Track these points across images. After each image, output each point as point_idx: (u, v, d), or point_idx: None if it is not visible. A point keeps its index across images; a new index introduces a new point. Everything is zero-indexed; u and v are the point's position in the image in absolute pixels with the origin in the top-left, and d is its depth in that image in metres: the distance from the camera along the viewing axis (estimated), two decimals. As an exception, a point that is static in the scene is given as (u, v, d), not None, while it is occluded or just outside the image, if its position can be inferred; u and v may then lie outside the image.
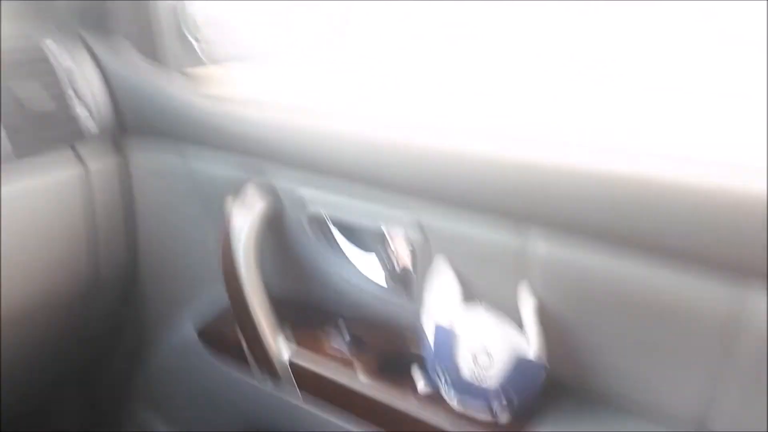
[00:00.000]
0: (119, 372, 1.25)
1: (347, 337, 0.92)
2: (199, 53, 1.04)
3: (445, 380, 0.74)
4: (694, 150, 0.65)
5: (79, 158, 0.97)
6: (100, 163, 1.00)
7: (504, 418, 0.74)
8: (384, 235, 0.85)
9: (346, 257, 0.92)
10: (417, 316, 0.85)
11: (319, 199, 0.87)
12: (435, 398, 0.79)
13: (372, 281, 0.90)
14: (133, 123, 1.02)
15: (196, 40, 1.04)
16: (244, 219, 0.89)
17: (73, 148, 0.97)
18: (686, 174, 0.62)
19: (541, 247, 0.70)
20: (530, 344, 0.72)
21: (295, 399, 0.91)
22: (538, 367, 0.71)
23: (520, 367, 0.70)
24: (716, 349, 0.64)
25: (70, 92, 0.95)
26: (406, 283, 0.86)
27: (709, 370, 0.65)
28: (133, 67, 0.99)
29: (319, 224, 0.90)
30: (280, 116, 0.87)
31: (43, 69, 0.94)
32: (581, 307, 0.71)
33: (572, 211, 0.67)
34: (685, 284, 0.63)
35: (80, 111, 0.96)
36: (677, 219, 0.61)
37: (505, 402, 0.71)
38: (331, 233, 0.91)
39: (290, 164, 0.89)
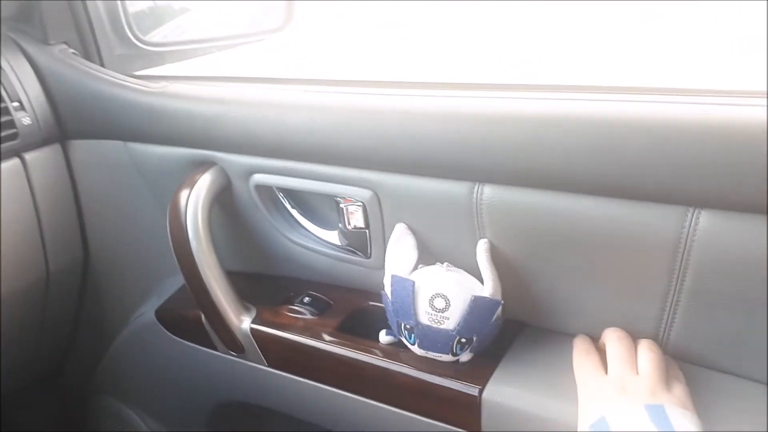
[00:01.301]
0: (83, 364, 1.24)
1: (307, 301, 0.93)
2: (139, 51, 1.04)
3: (405, 328, 0.76)
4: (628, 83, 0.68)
5: (15, 152, 0.95)
6: (37, 154, 0.98)
7: (465, 357, 0.76)
8: (334, 196, 0.85)
9: (298, 223, 0.92)
10: (374, 272, 0.86)
11: (266, 169, 0.87)
12: (397, 347, 0.81)
13: (327, 243, 0.90)
14: (73, 125, 1.00)
15: (138, 39, 1.04)
16: (191, 197, 0.89)
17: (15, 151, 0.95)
18: (621, 108, 0.63)
19: (487, 191, 0.72)
20: (484, 283, 0.74)
21: (262, 366, 0.92)
22: (493, 304, 0.73)
23: (476, 307, 0.72)
24: (665, 273, 0.66)
25: (6, 96, 0.93)
26: (361, 241, 0.86)
27: (660, 294, 0.68)
28: (71, 69, 0.97)
29: (268, 194, 0.91)
30: (222, 108, 0.87)
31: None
32: (530, 245, 0.73)
33: (512, 156, 0.68)
34: (629, 212, 0.65)
35: (19, 115, 0.94)
36: (616, 153, 0.62)
37: (464, 341, 0.73)
38: (281, 201, 0.92)
39: (236, 151, 0.88)
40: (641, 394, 0.63)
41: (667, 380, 0.66)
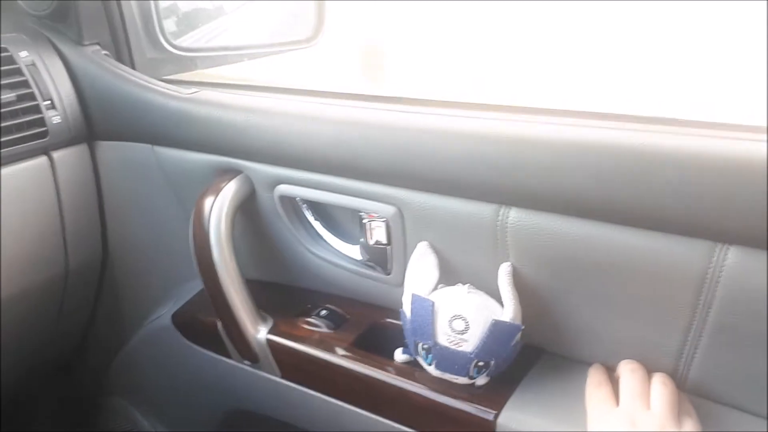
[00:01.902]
0: (96, 364, 1.24)
1: (324, 314, 0.93)
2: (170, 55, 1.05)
3: (423, 348, 0.75)
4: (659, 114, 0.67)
5: (44, 150, 0.96)
6: (64, 153, 0.99)
7: (481, 380, 0.75)
8: (357, 211, 0.85)
9: (320, 236, 0.92)
10: (394, 289, 0.86)
11: (291, 180, 0.87)
12: (412, 367, 0.80)
13: (347, 258, 0.90)
14: (102, 125, 1.01)
15: (169, 44, 1.05)
16: (215, 204, 0.89)
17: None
18: (654, 139, 0.63)
19: (512, 214, 0.72)
20: (505, 307, 0.73)
21: (275, 377, 0.92)
22: (514, 329, 0.72)
23: (495, 330, 0.72)
24: (688, 307, 0.65)
25: (38, 94, 0.94)
26: (382, 257, 0.86)
27: (682, 328, 0.67)
28: (103, 70, 0.98)
29: (292, 205, 0.91)
30: (251, 117, 0.87)
31: (11, 73, 0.93)
32: (553, 271, 0.72)
33: (539, 180, 0.68)
34: (656, 243, 0.64)
35: (49, 114, 0.95)
36: (646, 183, 0.62)
37: (481, 364, 0.73)
38: (303, 213, 0.92)
39: (262, 161, 0.89)
40: (650, 430, 0.63)
41: (679, 417, 0.65)
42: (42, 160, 0.95)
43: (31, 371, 1.21)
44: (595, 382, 0.72)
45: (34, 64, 0.94)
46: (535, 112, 0.75)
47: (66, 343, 1.22)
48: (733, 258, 0.61)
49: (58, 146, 0.97)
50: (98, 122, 1.00)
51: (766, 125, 0.62)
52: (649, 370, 0.71)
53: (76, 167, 1.01)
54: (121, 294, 1.16)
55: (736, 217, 0.59)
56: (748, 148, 0.59)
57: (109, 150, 1.02)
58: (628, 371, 0.70)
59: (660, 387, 0.67)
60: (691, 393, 0.70)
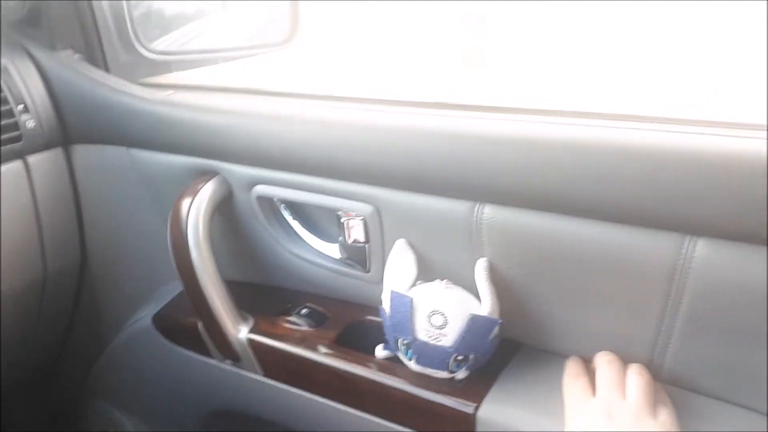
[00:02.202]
0: (76, 368, 1.24)
1: (304, 312, 0.93)
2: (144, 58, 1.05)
3: (403, 344, 0.76)
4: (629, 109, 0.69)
5: (19, 154, 0.96)
6: (39, 157, 0.98)
7: (461, 374, 0.76)
8: (335, 210, 0.86)
9: (298, 235, 0.93)
10: (373, 287, 0.87)
11: (268, 181, 0.88)
12: (393, 362, 0.81)
13: (326, 256, 0.91)
14: (76, 129, 1.00)
15: (143, 47, 1.05)
16: (193, 206, 0.89)
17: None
18: (621, 135, 0.64)
19: (487, 210, 0.73)
20: (482, 302, 0.74)
21: (257, 376, 0.92)
22: (491, 323, 0.74)
23: (474, 325, 0.73)
24: (660, 298, 0.67)
25: (11, 98, 0.93)
26: (361, 255, 0.87)
27: (655, 319, 0.68)
28: (77, 74, 0.98)
29: (269, 205, 0.91)
30: (226, 118, 0.87)
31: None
32: (528, 265, 0.73)
33: (512, 177, 0.69)
34: (627, 237, 0.65)
35: (23, 118, 0.94)
36: (615, 178, 0.63)
37: (461, 359, 0.74)
38: (281, 213, 0.92)
39: (239, 162, 0.89)
40: (626, 420, 0.64)
41: (654, 406, 0.67)
42: (17, 164, 0.95)
43: (10, 377, 1.20)
44: (572, 373, 0.74)
45: (6, 69, 0.94)
46: (506, 111, 0.76)
47: (46, 348, 1.22)
48: (701, 249, 0.62)
49: (33, 150, 0.96)
50: (73, 126, 0.99)
51: (731, 120, 0.64)
52: (625, 361, 0.73)
53: (51, 171, 1.00)
54: (100, 297, 1.16)
55: (703, 209, 0.60)
56: (714, 141, 0.60)
57: (84, 153, 1.02)
58: (604, 362, 0.72)
59: (635, 377, 0.69)
60: (666, 382, 0.72)
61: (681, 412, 0.67)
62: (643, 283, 0.67)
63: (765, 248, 0.59)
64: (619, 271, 0.67)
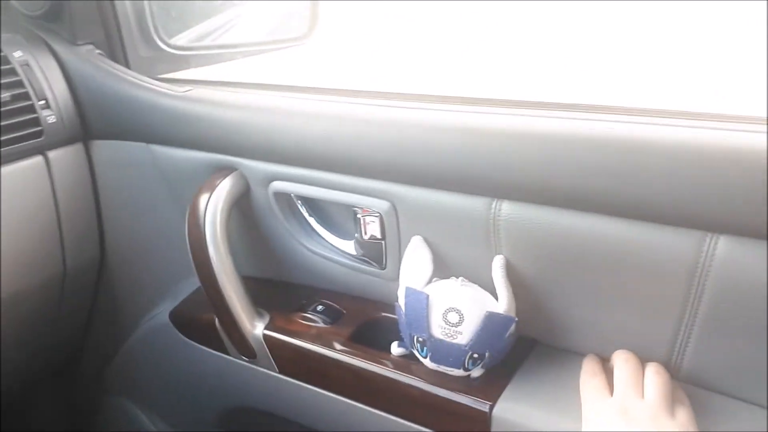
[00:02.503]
0: (94, 363, 1.25)
1: (320, 309, 0.93)
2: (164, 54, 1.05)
3: (418, 341, 0.76)
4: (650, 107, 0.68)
5: (39, 149, 0.96)
6: (60, 153, 0.99)
7: (476, 372, 0.76)
8: (352, 206, 0.86)
9: (315, 231, 0.93)
10: (389, 284, 0.86)
11: (286, 177, 0.88)
12: (408, 360, 0.81)
13: (342, 253, 0.91)
14: (97, 125, 1.01)
15: (163, 42, 1.05)
16: (211, 201, 0.89)
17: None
18: (643, 130, 0.64)
19: (504, 207, 0.72)
20: (499, 299, 0.74)
21: (272, 372, 0.92)
22: (507, 321, 0.73)
23: (490, 323, 0.72)
24: (680, 296, 0.66)
25: (33, 94, 0.94)
26: (377, 252, 0.87)
27: (675, 317, 0.67)
28: (97, 70, 0.98)
29: (286, 201, 0.91)
30: (245, 114, 0.87)
31: (5, 73, 0.93)
32: (546, 263, 0.73)
33: (531, 173, 0.68)
34: (647, 234, 0.64)
35: (44, 114, 0.95)
36: (636, 175, 0.62)
37: (476, 356, 0.73)
38: (298, 209, 0.92)
39: (257, 158, 0.89)
40: (643, 419, 0.64)
41: (672, 405, 0.66)
42: (38, 159, 0.96)
43: (30, 373, 1.22)
44: (589, 372, 0.73)
45: (28, 64, 0.95)
46: (525, 105, 0.76)
47: (65, 343, 1.23)
48: (723, 247, 0.61)
49: (53, 146, 0.97)
50: (93, 121, 1.00)
51: (754, 115, 0.62)
52: (643, 359, 0.72)
53: (71, 166, 1.01)
54: (118, 293, 1.17)
55: (725, 207, 0.59)
56: (738, 137, 0.59)
57: (104, 149, 1.02)
58: (621, 361, 0.71)
59: (653, 376, 0.68)
60: (685, 381, 0.71)
61: (699, 411, 0.66)
62: (662, 281, 0.66)
63: None
64: (638, 268, 0.66)
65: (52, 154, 0.97)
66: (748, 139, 0.59)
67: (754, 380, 0.67)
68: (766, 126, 0.60)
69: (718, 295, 0.63)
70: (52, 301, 1.09)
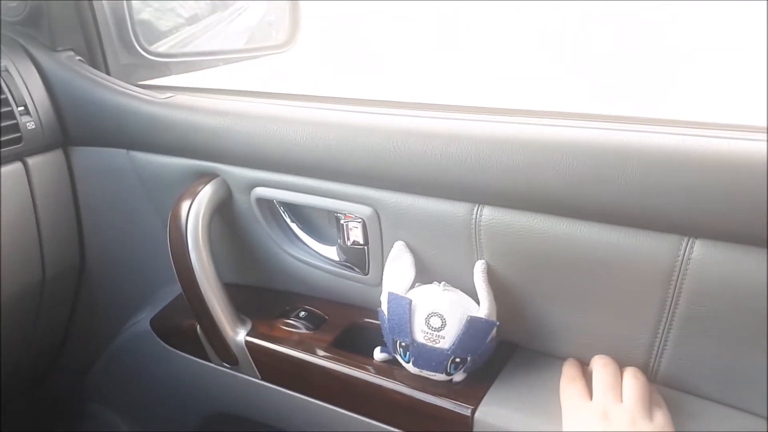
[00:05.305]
0: (74, 371, 1.23)
1: (303, 315, 0.93)
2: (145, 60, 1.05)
3: (401, 346, 0.76)
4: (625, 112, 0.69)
5: (18, 156, 0.96)
6: (39, 159, 0.98)
7: (458, 377, 0.76)
8: (334, 212, 0.86)
9: (298, 237, 0.93)
10: (372, 289, 0.87)
11: (268, 183, 0.88)
12: (391, 365, 0.81)
13: (325, 259, 0.91)
14: (76, 131, 1.00)
15: (144, 49, 1.05)
16: (192, 208, 0.89)
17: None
18: (619, 136, 0.65)
19: (485, 212, 0.73)
20: (480, 304, 0.74)
21: (255, 379, 0.92)
22: (489, 325, 0.74)
23: (472, 327, 0.73)
24: (657, 300, 0.67)
25: (12, 100, 0.93)
26: (360, 258, 0.87)
27: (652, 321, 0.68)
28: (77, 76, 0.98)
29: (269, 207, 0.91)
30: (226, 121, 0.87)
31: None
32: (526, 268, 0.73)
33: (510, 179, 0.69)
34: (624, 239, 0.66)
35: (24, 120, 0.94)
36: (613, 180, 0.63)
37: (458, 361, 0.74)
38: (281, 215, 0.92)
39: (238, 164, 0.89)
40: (622, 423, 0.65)
41: (650, 408, 0.67)
42: (17, 166, 0.95)
43: (8, 380, 1.20)
44: (569, 376, 0.74)
45: (7, 70, 0.94)
46: (504, 112, 0.77)
47: (44, 351, 1.21)
48: (699, 251, 0.62)
49: (32, 152, 0.96)
50: (73, 128, 1.00)
51: (725, 122, 0.64)
52: (622, 363, 0.73)
53: (51, 173, 1.00)
54: (98, 300, 1.16)
55: (700, 211, 0.60)
56: (711, 143, 0.61)
57: (84, 155, 1.02)
58: (600, 365, 0.72)
59: (631, 380, 0.69)
60: (663, 384, 0.72)
61: (677, 414, 0.68)
62: (640, 285, 0.67)
63: (762, 249, 0.60)
64: (616, 273, 0.67)
65: (31, 161, 0.96)
66: (722, 145, 0.60)
67: (730, 383, 0.68)
68: (736, 132, 0.62)
69: (695, 298, 0.64)
70: (31, 309, 1.08)
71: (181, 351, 1.00)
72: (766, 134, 0.60)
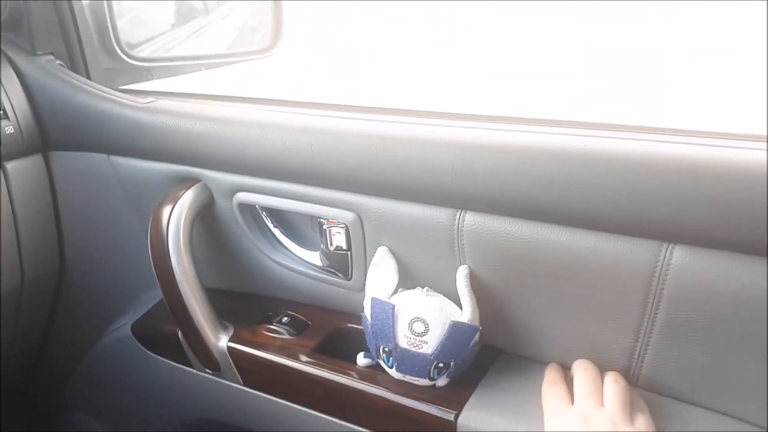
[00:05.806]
0: (54, 377, 1.22)
1: (285, 320, 0.93)
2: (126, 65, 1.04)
3: (384, 351, 0.76)
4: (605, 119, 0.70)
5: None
6: (18, 164, 0.98)
7: (441, 382, 0.76)
8: (317, 217, 0.86)
9: (280, 243, 0.93)
10: (355, 294, 0.87)
11: (250, 188, 0.88)
12: (375, 370, 0.81)
13: (308, 264, 0.91)
14: (56, 136, 0.99)
15: (125, 53, 1.04)
16: (173, 213, 0.88)
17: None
18: (599, 143, 0.65)
19: (468, 218, 0.73)
20: (463, 309, 0.74)
21: (237, 385, 0.92)
22: (472, 330, 0.74)
23: (454, 332, 0.73)
24: (638, 305, 0.67)
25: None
26: (343, 263, 0.87)
27: (633, 326, 0.69)
28: (57, 80, 0.97)
29: (251, 212, 0.91)
30: (208, 126, 0.87)
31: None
32: (509, 273, 0.74)
33: (492, 184, 0.69)
34: (605, 244, 0.66)
35: (2, 124, 0.93)
36: (593, 186, 0.64)
37: (441, 366, 0.74)
38: (263, 221, 0.92)
39: (220, 169, 0.89)
40: (603, 427, 0.65)
41: (631, 412, 0.67)
42: None
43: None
44: (551, 381, 0.74)
45: None
46: (485, 119, 0.77)
47: (21, 357, 1.20)
48: (678, 257, 0.63)
49: (11, 157, 0.95)
50: (53, 132, 0.99)
51: (704, 129, 0.65)
52: (604, 368, 0.73)
53: (30, 178, 0.99)
54: (78, 305, 1.15)
55: (680, 217, 0.61)
56: (689, 149, 0.61)
57: (64, 160, 1.01)
58: (581, 370, 0.73)
59: (612, 385, 0.70)
60: (644, 388, 0.72)
61: (658, 418, 0.68)
62: (621, 290, 0.67)
63: (741, 255, 0.60)
64: (597, 278, 0.68)
65: (10, 165, 0.95)
66: (701, 151, 0.61)
67: (710, 387, 0.69)
68: (716, 139, 0.62)
69: (675, 303, 0.65)
70: (9, 314, 1.07)
71: (163, 357, 1.00)
72: (745, 141, 0.60)
